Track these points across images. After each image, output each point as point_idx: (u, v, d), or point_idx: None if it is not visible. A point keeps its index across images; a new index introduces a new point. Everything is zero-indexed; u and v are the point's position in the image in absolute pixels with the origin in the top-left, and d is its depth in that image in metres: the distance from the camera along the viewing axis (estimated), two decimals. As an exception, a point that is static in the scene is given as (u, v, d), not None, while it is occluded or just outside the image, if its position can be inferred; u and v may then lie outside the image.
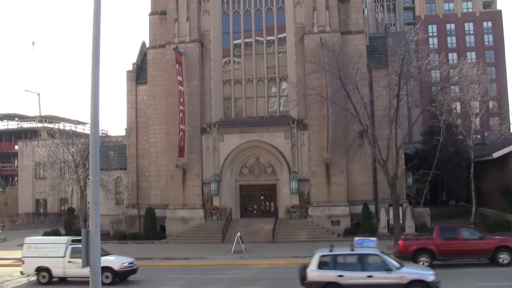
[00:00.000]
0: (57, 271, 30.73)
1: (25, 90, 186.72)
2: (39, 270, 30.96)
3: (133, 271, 30.75)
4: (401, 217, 43.27)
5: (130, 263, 30.61)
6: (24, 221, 65.08)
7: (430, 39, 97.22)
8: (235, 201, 51.28)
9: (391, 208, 43.65)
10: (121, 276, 30.16)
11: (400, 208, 43.09)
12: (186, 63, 51.60)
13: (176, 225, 50.23)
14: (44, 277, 30.82)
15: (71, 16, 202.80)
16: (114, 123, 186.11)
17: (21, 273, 32.03)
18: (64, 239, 32.49)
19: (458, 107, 65.68)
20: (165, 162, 51.69)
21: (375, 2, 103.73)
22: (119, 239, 49.59)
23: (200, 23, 52.51)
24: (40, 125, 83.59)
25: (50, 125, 77.43)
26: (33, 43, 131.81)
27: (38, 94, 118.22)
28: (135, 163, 54.05)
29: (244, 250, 40.73)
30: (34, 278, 31.86)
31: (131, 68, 56.08)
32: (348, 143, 45.87)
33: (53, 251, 30.82)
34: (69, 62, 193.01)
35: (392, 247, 39.50)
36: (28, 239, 32.79)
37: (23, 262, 31.75)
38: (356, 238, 24.96)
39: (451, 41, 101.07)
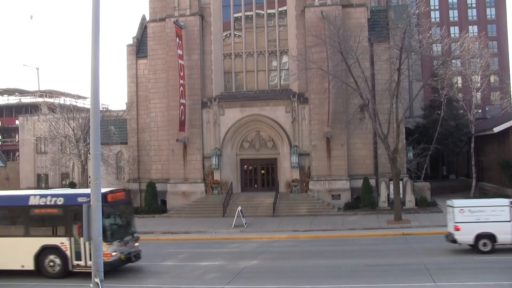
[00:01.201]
0: (503, 238, 27.32)
1: (24, 65, 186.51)
2: (479, 237, 27.51)
3: None
4: (401, 191, 43.42)
5: None
6: (25, 195, 65.16)
7: (432, 13, 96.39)
8: (236, 175, 51.45)
9: (391, 182, 43.81)
10: None
11: (401, 182, 43.22)
12: (186, 36, 51.32)
13: (177, 199, 50.46)
14: (485, 245, 27.40)
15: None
16: (115, 97, 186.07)
17: (454, 241, 28.18)
18: (506, 201, 28.75)
19: (459, 81, 65.61)
20: (166, 136, 51.72)
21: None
22: (120, 213, 49.73)
23: (200, -4, 52.14)
24: (40, 99, 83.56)
25: (51, 100, 77.32)
26: (31, 17, 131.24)
27: (37, 69, 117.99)
28: (136, 138, 54.10)
29: (245, 224, 41.00)
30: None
31: (131, 42, 55.76)
32: (349, 117, 45.82)
33: (494, 215, 27.67)
34: (69, 36, 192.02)
35: (392, 221, 39.82)
36: (458, 202, 29.30)
37: (457, 228, 27.81)
38: None
39: (453, 14, 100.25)
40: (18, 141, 75.57)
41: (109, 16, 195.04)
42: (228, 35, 53.09)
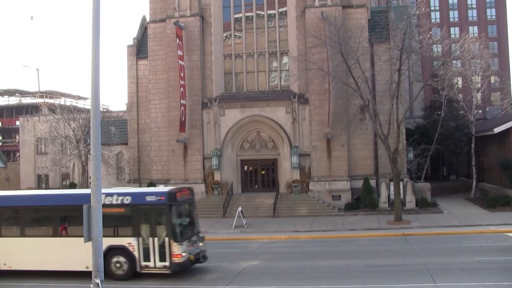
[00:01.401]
0: None
1: (24, 66, 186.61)
2: None
3: None
4: (401, 192, 43.42)
5: None
6: (26, 196, 65.16)
7: (432, 13, 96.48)
8: (236, 176, 51.47)
9: (391, 182, 43.82)
10: None
11: (401, 183, 43.22)
12: (186, 37, 51.35)
13: (177, 199, 50.34)
14: None
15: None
16: (115, 98, 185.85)
17: None
18: None
19: (460, 82, 65.58)
20: (166, 137, 51.75)
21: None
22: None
23: (201, -3, 52.18)
24: (41, 100, 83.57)
25: (51, 101, 77.35)
26: (32, 18, 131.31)
27: (37, 70, 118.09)
28: (136, 138, 54.15)
29: (245, 224, 41.00)
30: None
31: (131, 42, 55.82)
32: (349, 117, 45.81)
33: None
34: (69, 37, 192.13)
35: (392, 221, 39.81)
36: None
37: None
38: None
39: (453, 15, 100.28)
40: (18, 142, 75.55)
41: (110, 17, 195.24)
42: (228, 35, 53.12)
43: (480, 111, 71.84)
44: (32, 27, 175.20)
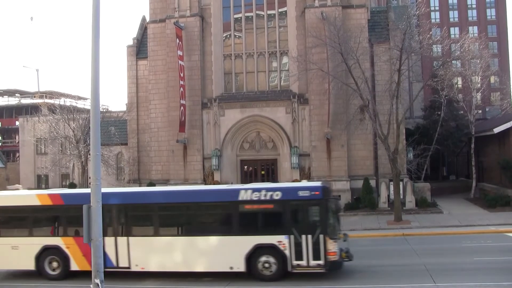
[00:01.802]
0: None
1: (23, 66, 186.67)
2: None
3: None
4: (401, 192, 43.40)
5: None
6: (26, 196, 65.21)
7: (432, 13, 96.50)
8: (236, 176, 51.43)
9: (391, 183, 43.76)
10: None
11: (401, 183, 43.19)
12: (186, 37, 51.35)
13: (177, 200, 50.31)
14: None
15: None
16: (115, 98, 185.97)
17: None
18: None
19: (460, 82, 65.58)
20: (166, 137, 51.75)
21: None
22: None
23: (201, -3, 52.18)
24: (40, 100, 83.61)
25: (51, 101, 77.37)
26: (32, 18, 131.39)
27: (37, 70, 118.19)
28: (136, 138, 54.15)
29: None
30: None
31: (131, 43, 55.80)
32: (349, 118, 45.80)
33: None
34: (69, 37, 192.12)
35: (392, 221, 39.80)
36: None
37: None
38: None
39: (453, 15, 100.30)
40: (18, 142, 75.61)
41: (109, 17, 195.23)
42: (228, 36, 53.12)
43: (480, 111, 71.87)
44: (32, 27, 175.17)
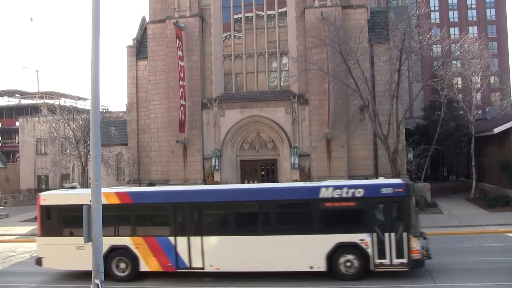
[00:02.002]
0: None
1: (23, 67, 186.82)
2: None
3: None
4: (401, 192, 43.25)
5: None
6: (26, 197, 65.35)
7: (432, 14, 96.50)
8: (236, 177, 51.43)
9: (391, 183, 43.63)
10: None
11: (401, 183, 43.09)
12: (186, 38, 51.36)
13: (177, 200, 50.29)
14: None
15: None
16: (115, 98, 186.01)
17: None
18: None
19: (459, 82, 65.59)
20: (166, 138, 51.76)
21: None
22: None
23: (200, -3, 52.20)
24: (40, 101, 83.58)
25: (51, 101, 77.29)
26: (31, 19, 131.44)
27: (37, 71, 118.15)
28: (136, 139, 54.16)
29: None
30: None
31: (131, 43, 55.80)
32: (349, 118, 45.82)
33: None
34: (68, 38, 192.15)
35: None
36: None
37: None
38: None
39: (453, 15, 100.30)
40: (18, 143, 75.61)
41: (109, 17, 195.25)
42: (228, 36, 53.14)
43: (480, 112, 71.80)
44: (32, 28, 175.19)
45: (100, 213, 16.12)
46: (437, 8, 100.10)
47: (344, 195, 22.79)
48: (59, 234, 25.20)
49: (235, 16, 52.98)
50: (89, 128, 18.93)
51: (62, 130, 53.34)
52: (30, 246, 35.20)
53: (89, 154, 25.46)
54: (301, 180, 49.01)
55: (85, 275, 23.51)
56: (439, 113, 56.09)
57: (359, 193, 22.78)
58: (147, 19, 55.07)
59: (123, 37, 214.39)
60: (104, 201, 24.65)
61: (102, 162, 46.73)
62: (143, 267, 24.26)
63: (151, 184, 50.44)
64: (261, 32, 52.56)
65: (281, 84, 52.22)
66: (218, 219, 25.04)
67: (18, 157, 74.37)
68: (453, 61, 51.51)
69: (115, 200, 24.83)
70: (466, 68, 52.68)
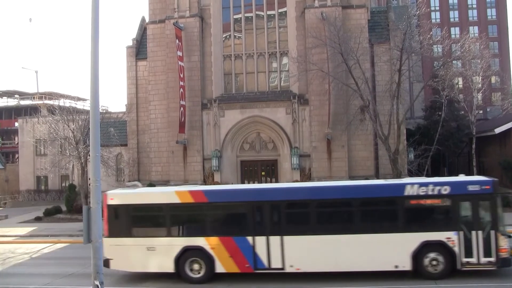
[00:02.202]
0: None
1: (22, 68, 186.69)
2: None
3: None
4: (402, 192, 43.16)
5: None
6: (25, 198, 65.32)
7: (433, 13, 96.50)
8: (236, 177, 51.33)
9: (392, 183, 43.55)
10: None
11: (402, 183, 43.00)
12: (186, 38, 51.25)
13: (177, 201, 50.19)
14: None
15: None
16: (114, 99, 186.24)
17: None
18: None
19: (460, 82, 65.40)
20: (166, 138, 51.65)
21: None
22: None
23: (200, -2, 52.10)
24: (40, 101, 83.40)
25: (50, 102, 77.15)
26: (30, 19, 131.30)
27: (36, 72, 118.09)
28: (136, 139, 54.06)
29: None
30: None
31: (131, 43, 55.73)
32: (349, 118, 45.71)
33: None
34: (68, 38, 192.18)
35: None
36: None
37: None
38: None
39: (454, 15, 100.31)
40: (17, 143, 75.50)
41: (109, 18, 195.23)
42: (228, 36, 53.05)
43: (481, 112, 71.69)
44: (31, 28, 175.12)
45: (99, 214, 15.98)
46: (437, 8, 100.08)
47: (430, 193, 22.31)
48: (128, 234, 24.32)
49: (235, 16, 52.89)
50: (89, 128, 18.84)
51: (62, 130, 53.17)
52: (29, 248, 35.16)
53: (89, 155, 25.30)
54: (302, 181, 48.94)
55: (87, 277, 23.61)
56: (440, 113, 55.90)
57: (445, 190, 22.33)
58: (147, 20, 54.98)
59: (122, 37, 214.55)
60: (177, 200, 24.11)
61: (102, 163, 46.57)
62: (219, 268, 23.48)
63: (151, 184, 50.32)
64: (261, 32, 52.47)
65: (281, 84, 52.13)
66: (299, 218, 24.15)
67: (18, 158, 74.28)
68: (453, 61, 51.36)
69: (189, 199, 24.04)
70: (467, 68, 52.54)
